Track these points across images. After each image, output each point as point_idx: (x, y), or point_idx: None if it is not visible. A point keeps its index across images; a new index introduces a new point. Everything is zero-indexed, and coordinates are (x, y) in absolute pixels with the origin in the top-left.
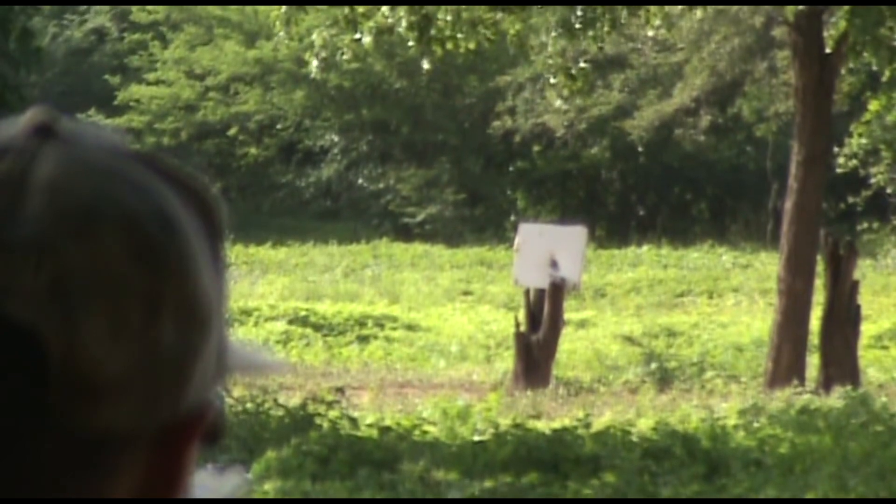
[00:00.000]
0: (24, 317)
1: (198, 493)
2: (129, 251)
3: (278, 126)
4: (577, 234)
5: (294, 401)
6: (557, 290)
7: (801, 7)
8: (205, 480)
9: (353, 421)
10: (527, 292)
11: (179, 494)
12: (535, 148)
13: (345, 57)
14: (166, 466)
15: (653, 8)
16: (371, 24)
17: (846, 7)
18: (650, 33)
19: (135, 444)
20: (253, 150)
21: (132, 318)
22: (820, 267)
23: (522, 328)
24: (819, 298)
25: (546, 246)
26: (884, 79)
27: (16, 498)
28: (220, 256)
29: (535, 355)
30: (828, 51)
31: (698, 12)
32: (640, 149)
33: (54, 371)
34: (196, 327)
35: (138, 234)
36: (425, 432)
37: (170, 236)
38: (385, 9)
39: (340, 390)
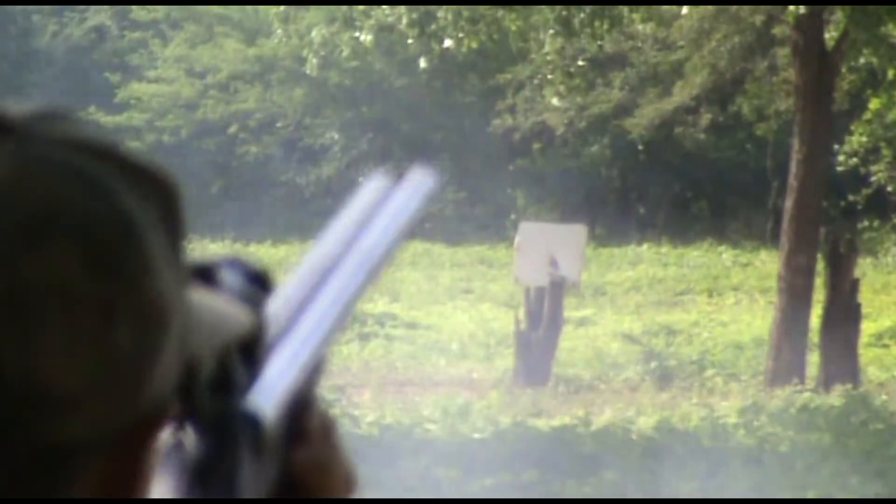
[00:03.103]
0: None
1: (373, 207)
2: (83, 259)
3: (278, 124)
4: (576, 232)
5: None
6: (557, 289)
7: (801, 10)
8: (376, 191)
9: (354, 419)
10: (527, 290)
11: (140, 492)
12: (536, 146)
13: (344, 55)
14: (124, 472)
15: (651, 7)
16: (371, 21)
17: (846, 7)
18: (648, 30)
19: (93, 452)
20: (253, 148)
21: (88, 327)
22: (820, 265)
23: (522, 326)
24: (819, 297)
25: (546, 244)
26: (890, 76)
27: None
28: (179, 246)
29: (535, 353)
30: (828, 49)
31: (684, 8)
32: (640, 147)
33: (11, 386)
34: (154, 331)
35: (92, 238)
36: (425, 430)
37: (126, 239)
38: (385, 6)
39: (341, 388)
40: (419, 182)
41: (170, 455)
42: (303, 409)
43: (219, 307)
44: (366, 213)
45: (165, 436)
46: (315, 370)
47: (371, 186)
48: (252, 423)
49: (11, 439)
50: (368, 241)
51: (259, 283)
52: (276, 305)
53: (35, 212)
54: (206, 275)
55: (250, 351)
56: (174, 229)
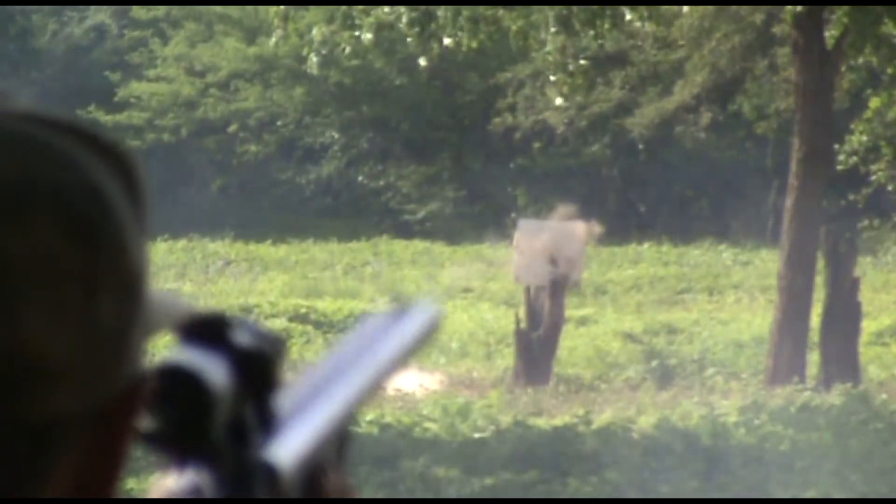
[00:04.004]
0: None
1: (381, 343)
2: (62, 230)
3: (278, 123)
4: (576, 231)
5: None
6: (558, 288)
7: (799, 8)
8: (385, 323)
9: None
10: (527, 289)
11: (120, 473)
12: (536, 145)
13: (345, 53)
14: (107, 445)
15: (651, 6)
16: (371, 20)
17: (845, 7)
18: (649, 29)
19: (77, 425)
20: (253, 147)
21: (71, 299)
22: (820, 264)
23: (523, 325)
24: (819, 295)
25: (546, 243)
26: (890, 74)
27: None
28: (143, 219)
29: (535, 352)
30: (828, 48)
31: (685, 7)
32: (640, 146)
33: None
34: (131, 299)
35: (70, 210)
36: (426, 429)
37: (100, 209)
38: (385, 6)
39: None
40: (425, 313)
41: (188, 498)
42: (321, 474)
43: (160, 296)
44: (374, 336)
45: (183, 479)
46: (337, 443)
47: (379, 315)
48: (270, 473)
49: None
50: (376, 356)
51: (270, 344)
52: (292, 386)
53: (12, 185)
54: (215, 330)
55: (263, 404)
56: (137, 202)
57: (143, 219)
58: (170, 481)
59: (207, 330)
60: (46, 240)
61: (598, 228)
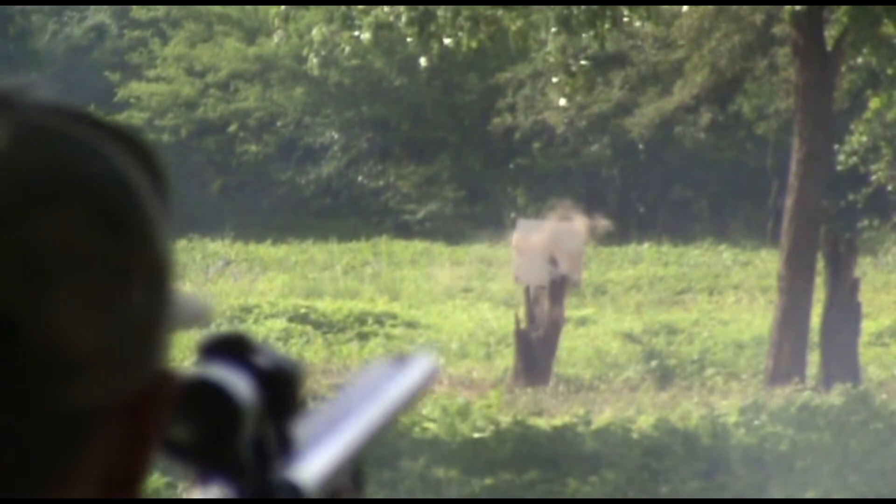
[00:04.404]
0: None
1: (386, 386)
2: (93, 220)
3: (278, 123)
4: (576, 231)
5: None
6: (557, 288)
7: (798, 7)
8: (387, 371)
9: None
10: (527, 290)
11: (147, 468)
12: (536, 145)
13: (344, 54)
14: (135, 439)
15: (651, 6)
16: (370, 19)
17: (845, 7)
18: (649, 29)
19: (105, 417)
20: (253, 148)
21: (103, 289)
22: (820, 264)
23: (523, 325)
24: (819, 296)
25: (545, 243)
26: (889, 75)
27: None
28: (167, 211)
29: (535, 352)
30: (828, 48)
31: (685, 9)
32: (640, 146)
33: (28, 350)
34: (158, 290)
35: (99, 201)
36: (425, 429)
37: (128, 201)
38: (385, 6)
39: (340, 388)
40: (425, 365)
41: (214, 498)
42: (338, 499)
43: (180, 294)
44: (378, 383)
45: (209, 493)
46: (352, 471)
47: (382, 364)
48: (294, 492)
49: (26, 403)
50: (382, 400)
51: (290, 367)
52: (305, 419)
53: (43, 176)
54: (238, 349)
55: (284, 426)
56: (162, 194)
57: (168, 211)
58: (195, 494)
59: (230, 348)
60: (76, 230)
61: (603, 223)
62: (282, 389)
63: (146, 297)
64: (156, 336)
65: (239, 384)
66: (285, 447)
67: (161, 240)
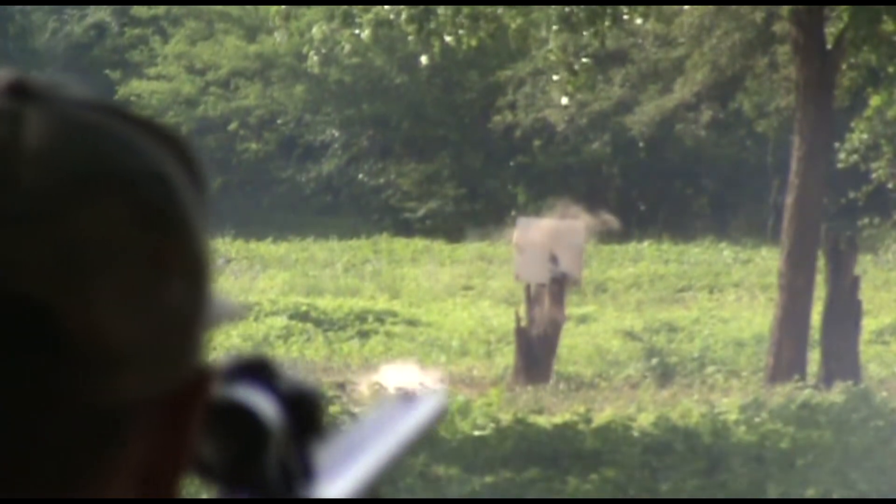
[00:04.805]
0: (34, 291)
1: (396, 426)
2: (132, 213)
3: (279, 121)
4: (576, 229)
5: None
6: (558, 286)
7: (798, 5)
8: (393, 408)
9: (354, 416)
10: (527, 287)
11: (186, 466)
12: (536, 143)
13: (345, 51)
14: (173, 436)
15: (649, 7)
16: (370, 16)
17: (845, 5)
18: (649, 27)
19: (143, 413)
20: (253, 145)
21: (142, 282)
22: (821, 262)
23: (523, 323)
24: (820, 293)
25: (545, 241)
26: (890, 73)
27: (30, 475)
28: (204, 207)
29: (535, 350)
30: (828, 46)
31: (686, 7)
32: (640, 144)
33: (68, 344)
34: (197, 286)
35: (139, 196)
36: None
37: (167, 196)
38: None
39: (341, 386)
40: (432, 404)
41: (242, 498)
42: None
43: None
44: (389, 421)
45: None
46: (369, 499)
47: (388, 405)
48: None
49: (67, 400)
50: (392, 437)
51: (313, 391)
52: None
53: (82, 170)
54: (262, 372)
55: (306, 449)
56: (199, 191)
57: (205, 207)
58: None
59: (253, 371)
60: (116, 224)
61: (604, 219)
62: (304, 413)
63: (185, 292)
64: (194, 332)
65: (266, 407)
66: (307, 469)
67: (199, 235)
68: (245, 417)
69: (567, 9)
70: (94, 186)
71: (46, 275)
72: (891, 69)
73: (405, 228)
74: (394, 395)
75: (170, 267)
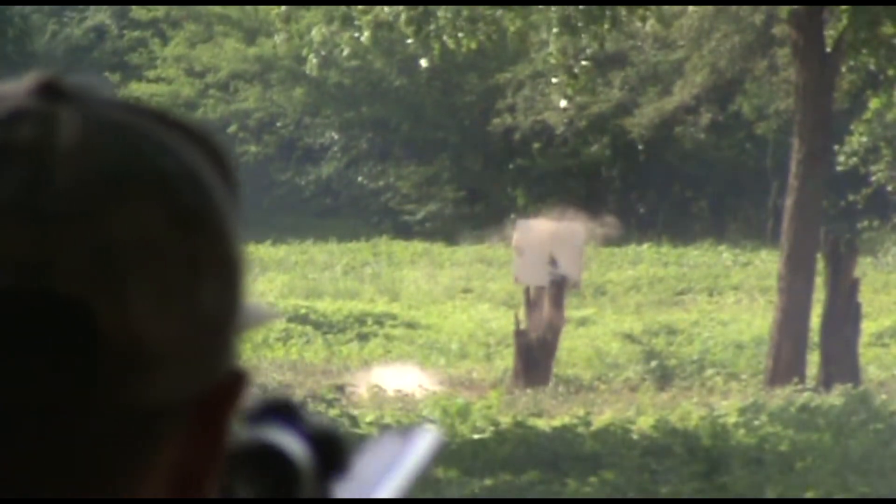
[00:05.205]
0: (69, 290)
1: (390, 461)
2: (166, 215)
3: (278, 124)
4: (576, 231)
5: (294, 398)
6: (557, 288)
7: (798, 7)
8: (392, 446)
9: (353, 419)
10: (527, 290)
11: (219, 468)
12: (535, 145)
13: (344, 54)
14: (209, 435)
15: (650, 7)
16: (369, 17)
17: (844, 7)
18: (649, 29)
19: (177, 415)
20: (253, 148)
21: (177, 283)
22: (820, 265)
23: (522, 326)
24: (819, 296)
25: (545, 243)
26: (890, 76)
27: (65, 475)
28: (238, 209)
29: (535, 353)
30: (828, 49)
31: (686, 9)
32: (640, 146)
33: (104, 344)
34: (231, 287)
35: (173, 196)
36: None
37: (202, 197)
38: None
39: (340, 388)
40: (426, 441)
41: (268, 498)
42: None
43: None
44: (389, 459)
45: None
46: None
47: (383, 443)
48: None
49: (101, 400)
50: (394, 475)
51: (336, 431)
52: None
53: (116, 170)
54: (288, 413)
55: (328, 487)
56: (233, 192)
57: (238, 208)
58: None
59: (279, 412)
60: (151, 225)
61: (603, 223)
62: (329, 452)
63: (219, 293)
64: (228, 333)
65: (295, 448)
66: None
67: (233, 236)
68: (277, 458)
69: (567, 11)
70: (128, 186)
71: (81, 274)
72: (890, 72)
73: (404, 231)
74: (390, 433)
75: (205, 268)
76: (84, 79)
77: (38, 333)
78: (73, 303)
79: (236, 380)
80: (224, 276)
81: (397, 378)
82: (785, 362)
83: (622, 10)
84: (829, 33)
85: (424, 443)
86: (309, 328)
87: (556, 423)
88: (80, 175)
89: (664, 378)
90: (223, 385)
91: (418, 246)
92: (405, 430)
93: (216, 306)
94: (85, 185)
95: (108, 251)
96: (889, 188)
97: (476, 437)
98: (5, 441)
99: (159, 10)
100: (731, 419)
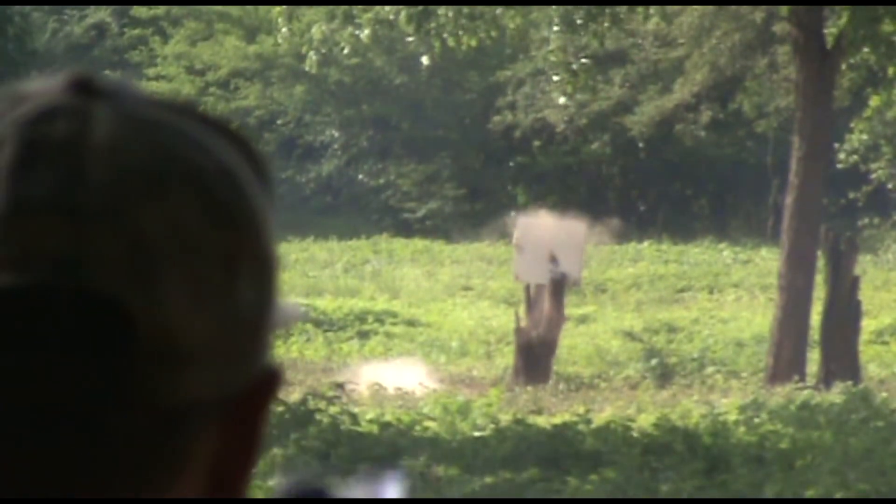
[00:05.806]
0: (104, 287)
1: None
2: (201, 209)
3: (278, 121)
4: (576, 229)
5: (294, 396)
6: (558, 286)
7: (798, 5)
8: (357, 492)
9: (354, 416)
10: (527, 288)
11: (254, 465)
12: (536, 143)
13: (344, 52)
14: (243, 433)
15: (651, 6)
16: (369, 15)
17: (845, 5)
18: (650, 27)
19: (214, 411)
20: None
21: (212, 279)
22: (820, 262)
23: (523, 324)
24: (819, 294)
25: (545, 241)
26: (890, 74)
27: (101, 472)
28: (271, 204)
29: (535, 351)
30: (828, 47)
31: (691, 10)
32: (640, 144)
33: (139, 341)
34: (266, 284)
35: (209, 193)
36: (425, 428)
37: (237, 193)
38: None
39: (341, 386)
40: (395, 489)
41: (305, 498)
42: None
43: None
44: None
45: None
46: None
47: (358, 487)
48: None
49: (137, 397)
50: None
51: None
52: None
53: (151, 166)
54: (319, 496)
55: None
56: (266, 189)
57: (272, 205)
58: None
59: (313, 498)
60: (186, 222)
61: (604, 222)
62: None
63: (253, 289)
64: (262, 329)
65: None
66: None
67: (267, 233)
68: None
69: (567, 8)
70: (162, 182)
71: (116, 270)
72: (890, 70)
73: (405, 229)
74: (357, 478)
75: (239, 265)
76: (118, 79)
77: (72, 329)
78: (108, 299)
79: (270, 378)
80: (259, 273)
81: (398, 376)
82: (785, 360)
83: (622, 8)
84: (830, 31)
85: (392, 492)
86: (309, 326)
87: (557, 420)
88: (114, 171)
89: (664, 376)
90: (257, 383)
91: (419, 243)
92: (373, 475)
93: (251, 304)
94: (120, 182)
95: (142, 248)
96: (889, 186)
97: (476, 434)
98: (41, 439)
99: (160, 8)
100: (732, 417)
